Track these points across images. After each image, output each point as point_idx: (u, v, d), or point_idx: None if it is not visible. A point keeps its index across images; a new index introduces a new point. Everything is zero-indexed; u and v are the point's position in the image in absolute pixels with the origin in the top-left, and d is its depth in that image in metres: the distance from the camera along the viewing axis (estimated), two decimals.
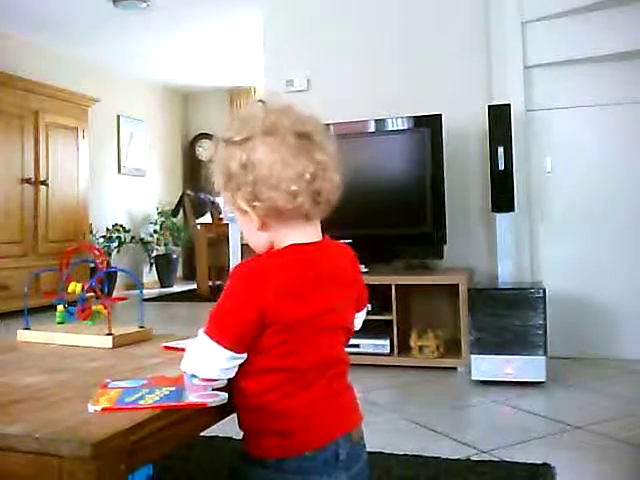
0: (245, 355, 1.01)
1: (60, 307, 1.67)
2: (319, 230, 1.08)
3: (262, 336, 0.99)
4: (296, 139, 1.01)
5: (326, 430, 1.01)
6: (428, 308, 3.37)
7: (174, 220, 7.67)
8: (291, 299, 0.99)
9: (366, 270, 3.23)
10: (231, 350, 0.99)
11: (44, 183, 5.53)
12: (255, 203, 1.02)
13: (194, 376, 1.02)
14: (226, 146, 1.05)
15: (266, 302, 0.97)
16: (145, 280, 7.24)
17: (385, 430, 2.20)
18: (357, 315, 1.17)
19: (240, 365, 1.02)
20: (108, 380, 1.07)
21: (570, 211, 3.31)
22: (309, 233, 1.06)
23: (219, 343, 0.99)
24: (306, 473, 0.99)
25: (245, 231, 1.10)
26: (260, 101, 1.08)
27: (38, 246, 5.45)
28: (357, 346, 3.00)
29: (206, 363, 1.01)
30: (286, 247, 1.04)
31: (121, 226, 6.93)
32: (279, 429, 1.00)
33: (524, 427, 2.26)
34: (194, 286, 6.73)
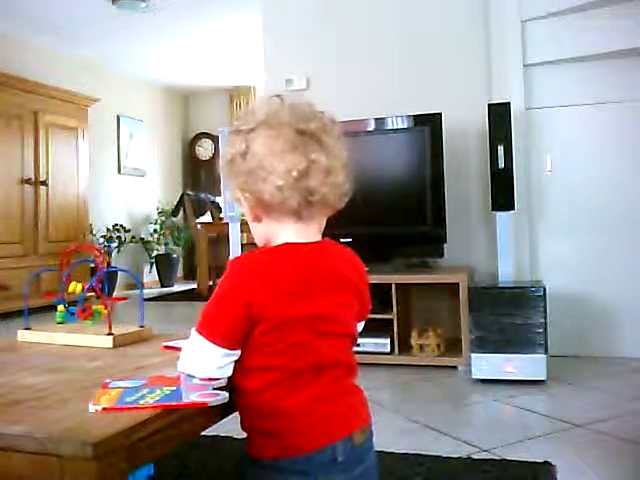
0: (239, 351, 1.00)
1: (60, 307, 1.68)
2: (317, 231, 1.08)
3: (253, 333, 0.99)
4: (296, 135, 1.01)
5: (321, 432, 1.00)
6: (428, 307, 3.37)
7: (174, 220, 7.68)
8: (280, 297, 0.98)
9: (366, 269, 3.23)
10: (223, 347, 0.99)
11: (44, 183, 5.53)
12: (246, 193, 1.04)
13: (192, 376, 1.02)
14: (233, 135, 1.07)
15: (253, 297, 0.97)
16: (145, 280, 7.24)
17: (385, 429, 2.20)
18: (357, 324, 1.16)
19: (237, 362, 1.02)
20: (108, 380, 1.07)
21: (570, 209, 3.31)
22: (304, 233, 1.05)
23: (211, 340, 0.99)
24: (302, 474, 0.98)
25: (247, 220, 1.11)
26: (277, 96, 1.09)
27: (38, 246, 5.45)
28: (358, 345, 2.99)
29: (201, 362, 1.02)
30: (280, 245, 1.04)
31: (121, 226, 6.93)
32: (273, 430, 1.00)
33: (525, 425, 2.26)
34: (194, 286, 6.73)
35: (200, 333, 1.00)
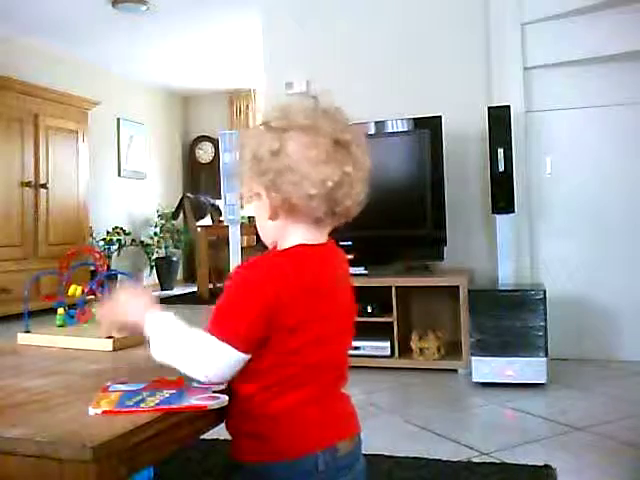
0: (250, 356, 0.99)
1: (60, 310, 1.67)
2: (326, 234, 1.08)
3: (268, 337, 0.98)
4: (332, 145, 1.00)
5: (305, 440, 0.99)
6: (429, 310, 3.37)
7: (174, 223, 7.67)
8: (299, 301, 0.98)
9: (366, 272, 3.23)
10: (243, 351, 0.96)
11: (44, 186, 5.52)
12: (272, 192, 1.02)
13: (192, 379, 1.02)
14: (264, 130, 1.04)
15: (276, 300, 0.96)
16: (145, 283, 7.23)
17: (386, 432, 2.19)
18: None
19: None
20: (109, 383, 1.07)
21: (570, 212, 3.31)
22: (316, 236, 1.05)
23: (233, 345, 0.96)
24: None
25: (256, 216, 1.10)
26: (313, 97, 1.09)
27: (38, 249, 5.45)
28: (358, 348, 3.00)
29: (215, 366, 0.98)
30: (295, 247, 1.03)
31: (121, 229, 6.93)
32: (259, 433, 0.99)
33: (525, 429, 2.26)
34: (194, 289, 6.72)
35: (220, 337, 0.96)
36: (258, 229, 1.10)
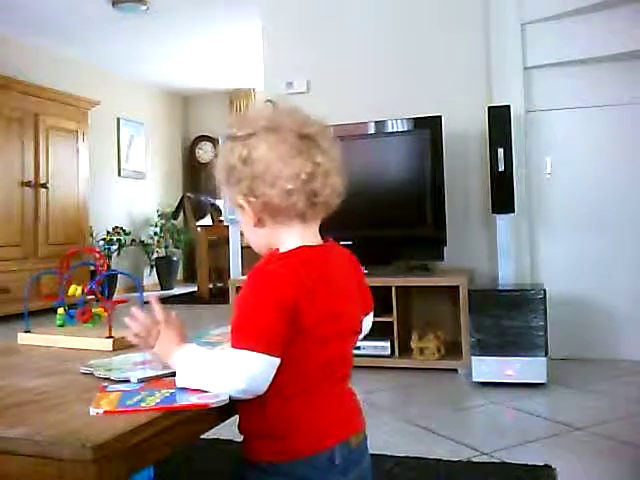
0: None
1: (60, 310, 1.67)
2: (317, 232, 1.08)
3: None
4: (298, 139, 1.02)
5: (322, 436, 1.00)
6: (428, 309, 3.37)
7: (174, 222, 7.68)
8: (314, 301, 0.98)
9: (366, 272, 3.23)
10: (272, 355, 0.95)
11: (44, 186, 5.53)
12: (251, 198, 1.03)
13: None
14: (229, 141, 1.06)
15: (295, 302, 0.96)
16: (145, 282, 7.24)
17: (386, 432, 2.19)
18: (364, 318, 1.17)
19: None
20: (106, 383, 1.08)
21: (570, 212, 3.31)
22: (307, 235, 1.06)
23: (260, 351, 0.95)
24: (300, 477, 0.98)
25: (243, 228, 1.11)
26: (268, 101, 1.10)
27: (38, 249, 5.45)
28: (358, 348, 2.99)
29: (250, 376, 0.95)
30: (296, 249, 1.03)
31: (121, 229, 6.93)
32: (274, 433, 0.99)
33: (525, 429, 2.26)
34: (194, 288, 6.72)
35: (246, 347, 0.95)
36: (248, 241, 1.11)
